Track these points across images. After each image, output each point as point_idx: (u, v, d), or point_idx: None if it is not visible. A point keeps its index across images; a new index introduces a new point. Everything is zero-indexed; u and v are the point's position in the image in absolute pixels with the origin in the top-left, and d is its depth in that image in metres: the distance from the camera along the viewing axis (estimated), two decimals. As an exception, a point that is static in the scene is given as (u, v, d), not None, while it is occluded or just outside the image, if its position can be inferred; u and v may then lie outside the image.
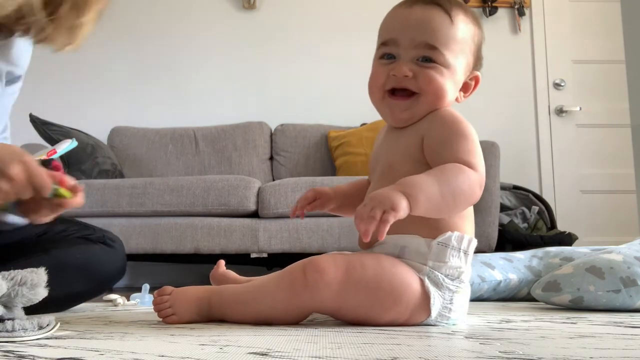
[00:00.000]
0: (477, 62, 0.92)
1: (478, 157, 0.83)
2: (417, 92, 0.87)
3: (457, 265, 0.83)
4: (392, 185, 0.75)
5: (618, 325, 0.87)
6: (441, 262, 0.82)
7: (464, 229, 0.85)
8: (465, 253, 0.84)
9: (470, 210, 0.88)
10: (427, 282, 0.81)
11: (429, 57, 0.86)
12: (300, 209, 1.02)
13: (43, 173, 0.83)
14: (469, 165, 0.80)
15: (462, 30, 0.88)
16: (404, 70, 0.85)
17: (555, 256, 1.60)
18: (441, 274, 0.82)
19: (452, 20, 0.87)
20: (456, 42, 0.87)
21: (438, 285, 0.82)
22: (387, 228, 0.71)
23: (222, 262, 1.14)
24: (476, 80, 0.92)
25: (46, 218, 0.91)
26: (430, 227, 0.83)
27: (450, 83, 0.88)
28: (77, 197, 0.89)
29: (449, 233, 0.82)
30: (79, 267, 1.11)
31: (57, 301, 1.05)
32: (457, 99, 0.92)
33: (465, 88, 0.92)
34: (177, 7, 3.36)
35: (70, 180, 0.88)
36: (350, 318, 0.85)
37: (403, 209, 0.72)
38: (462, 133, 0.84)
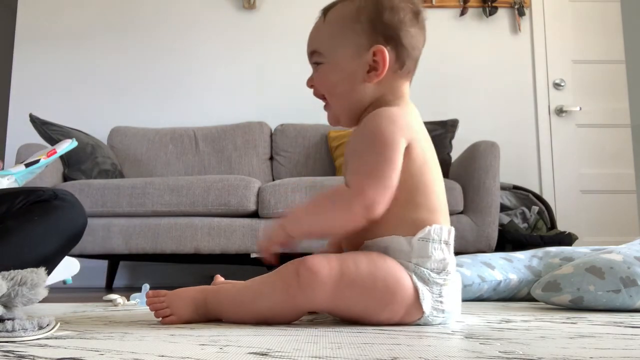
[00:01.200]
0: (376, 35, 0.87)
1: (372, 173, 0.81)
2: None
3: (441, 258, 0.83)
4: (280, 219, 0.87)
5: (618, 325, 0.87)
6: (425, 257, 0.82)
7: (440, 222, 0.85)
8: (447, 244, 0.85)
9: (442, 204, 0.88)
10: (414, 278, 0.81)
11: (316, 61, 0.92)
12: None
13: None
14: (357, 191, 0.81)
15: (334, 22, 0.90)
16: (307, 83, 0.95)
17: (555, 256, 1.60)
18: (426, 269, 0.82)
19: (325, 18, 0.91)
20: (331, 37, 0.90)
21: (425, 280, 0.82)
22: (271, 255, 0.87)
23: (219, 278, 1.13)
24: (380, 53, 0.86)
25: None
26: (408, 226, 0.83)
27: (336, 76, 0.90)
28: None
29: (427, 227, 0.83)
30: (41, 229, 1.11)
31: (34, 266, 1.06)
32: (366, 80, 0.88)
33: (375, 67, 0.87)
34: (177, 8, 3.36)
35: None
36: (346, 316, 0.85)
37: (280, 239, 0.86)
38: (370, 144, 0.83)
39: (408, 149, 0.84)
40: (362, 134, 0.86)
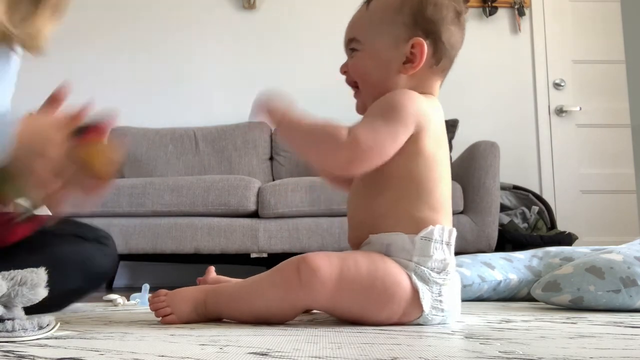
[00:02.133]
0: (417, 29, 0.88)
1: (376, 134, 0.81)
2: (357, 82, 0.93)
3: (442, 258, 0.83)
4: (284, 107, 0.85)
5: (618, 325, 0.87)
6: (426, 256, 0.83)
7: (442, 223, 0.85)
8: (448, 244, 0.85)
9: (446, 204, 0.88)
10: (414, 277, 0.82)
11: (353, 48, 0.92)
12: None
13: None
14: (354, 136, 0.80)
15: (377, 10, 0.90)
16: (341, 68, 0.94)
17: (555, 256, 1.60)
18: (427, 268, 0.82)
19: (368, 6, 0.92)
20: (372, 24, 0.90)
21: (425, 280, 0.82)
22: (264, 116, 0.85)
23: (211, 269, 1.13)
24: (418, 46, 0.87)
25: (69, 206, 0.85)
26: (412, 223, 0.84)
27: (372, 63, 0.90)
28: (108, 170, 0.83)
29: (430, 227, 0.83)
30: (73, 265, 1.11)
31: (53, 299, 1.05)
32: (401, 71, 0.88)
33: (411, 59, 0.88)
34: (177, 8, 3.36)
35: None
36: (344, 316, 0.86)
37: (272, 119, 0.85)
38: (383, 112, 0.84)
39: (417, 137, 0.84)
40: (381, 102, 0.86)
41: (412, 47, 0.87)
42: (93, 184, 0.84)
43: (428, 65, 0.89)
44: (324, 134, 0.83)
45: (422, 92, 0.89)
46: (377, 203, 0.87)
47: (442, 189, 0.87)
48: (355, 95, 0.95)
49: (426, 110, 0.86)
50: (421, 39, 0.87)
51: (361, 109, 0.94)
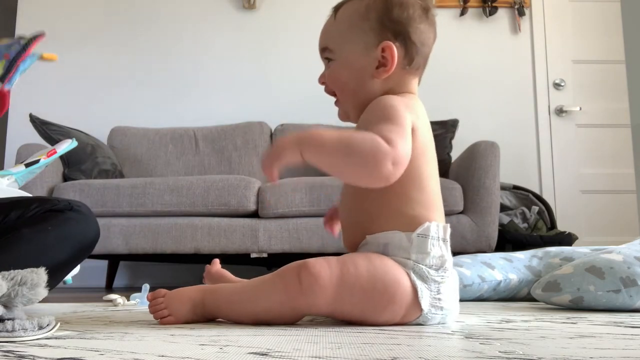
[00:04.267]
0: (385, 32, 0.87)
1: (399, 136, 0.79)
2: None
3: (439, 254, 0.84)
4: (296, 136, 0.80)
5: (618, 325, 0.87)
6: (424, 253, 0.83)
7: (436, 219, 0.86)
8: (445, 241, 0.85)
9: (437, 202, 0.88)
10: (413, 276, 0.82)
11: (327, 57, 0.93)
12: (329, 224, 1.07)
13: None
14: (387, 139, 0.77)
15: (344, 19, 0.91)
16: (319, 79, 0.95)
17: (555, 256, 1.60)
18: (425, 265, 0.82)
19: (335, 16, 0.93)
20: (341, 33, 0.91)
21: (423, 278, 0.82)
22: (274, 172, 0.80)
23: (217, 261, 1.14)
24: (388, 49, 0.86)
25: None
26: (406, 221, 0.84)
27: (346, 72, 0.91)
28: None
29: (427, 224, 0.83)
30: (54, 239, 1.11)
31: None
32: (375, 76, 0.88)
33: (384, 63, 0.88)
34: (177, 8, 3.36)
35: None
36: (346, 319, 0.85)
37: (286, 156, 0.80)
38: (386, 117, 0.82)
39: (412, 136, 0.83)
40: (372, 110, 0.86)
41: (383, 51, 0.88)
42: None
43: (401, 66, 0.89)
44: (364, 147, 0.77)
45: (400, 93, 0.89)
46: (370, 203, 0.87)
47: (433, 186, 0.88)
48: (336, 104, 0.96)
49: (413, 108, 0.86)
50: (390, 42, 0.87)
51: (343, 116, 0.96)
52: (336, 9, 0.93)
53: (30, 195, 1.30)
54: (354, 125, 0.93)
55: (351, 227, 0.91)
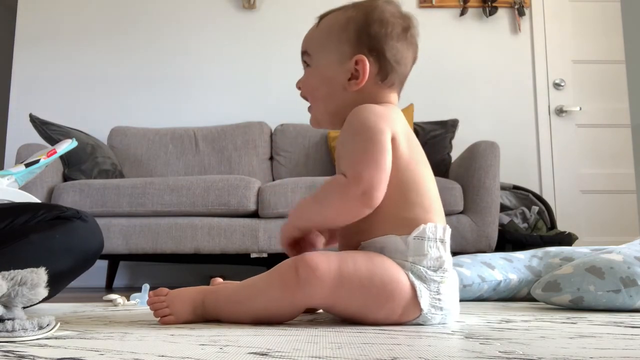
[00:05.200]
0: (361, 46, 0.89)
1: (368, 162, 0.82)
2: None
3: (437, 256, 0.84)
4: (290, 213, 0.92)
5: (618, 325, 0.87)
6: (421, 255, 0.83)
7: (435, 221, 0.85)
8: (442, 242, 0.85)
9: (435, 202, 0.88)
10: (411, 277, 0.82)
11: (305, 61, 0.95)
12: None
13: None
14: (353, 176, 0.82)
15: (325, 27, 0.93)
16: (297, 84, 0.97)
17: (555, 256, 1.60)
18: (423, 267, 0.82)
19: (318, 23, 0.94)
20: (320, 41, 0.93)
21: (422, 278, 0.82)
22: (292, 251, 0.91)
23: (217, 279, 1.13)
24: (361, 62, 0.88)
25: None
26: (403, 225, 0.84)
27: (319, 80, 0.93)
28: None
29: (422, 226, 0.84)
30: (60, 247, 1.11)
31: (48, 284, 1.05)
32: (346, 88, 0.90)
33: (356, 76, 0.89)
34: (177, 8, 3.36)
35: None
36: (344, 314, 0.86)
37: (292, 234, 0.91)
38: (357, 133, 0.84)
39: (393, 144, 0.85)
40: (348, 127, 0.87)
41: (356, 63, 0.89)
42: None
43: (374, 81, 0.90)
44: (328, 195, 0.85)
45: (377, 103, 0.90)
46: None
47: (429, 188, 0.88)
48: (309, 109, 0.97)
49: (390, 116, 0.87)
50: (363, 56, 0.88)
51: (314, 122, 0.98)
52: (321, 17, 0.95)
53: (34, 197, 1.30)
54: (329, 129, 0.95)
55: (347, 234, 0.91)
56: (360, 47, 0.89)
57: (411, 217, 0.84)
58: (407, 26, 0.90)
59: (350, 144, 0.85)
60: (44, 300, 0.95)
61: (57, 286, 1.15)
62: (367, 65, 0.88)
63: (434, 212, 0.87)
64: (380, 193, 0.82)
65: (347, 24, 0.90)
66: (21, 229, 1.11)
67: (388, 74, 0.90)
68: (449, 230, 0.87)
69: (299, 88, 0.97)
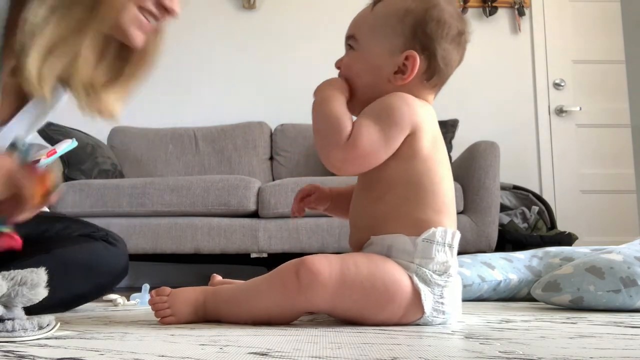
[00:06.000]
0: (414, 41, 0.87)
1: (371, 140, 0.82)
2: None
3: (444, 260, 0.83)
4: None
5: (618, 325, 0.87)
6: (427, 258, 0.83)
7: (445, 225, 0.85)
8: (450, 247, 0.85)
9: (450, 206, 0.88)
10: (415, 279, 0.82)
11: (349, 45, 0.93)
12: (297, 202, 1.05)
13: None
14: (353, 140, 0.81)
15: (380, 14, 0.90)
16: (336, 63, 0.95)
17: (555, 256, 1.60)
18: (428, 270, 0.82)
19: (374, 7, 0.91)
20: (372, 27, 0.90)
21: (426, 281, 0.82)
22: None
23: (216, 276, 1.13)
24: (411, 58, 0.86)
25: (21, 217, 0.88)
26: (414, 225, 0.84)
27: (364, 66, 0.90)
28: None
29: (432, 229, 0.83)
30: (81, 266, 1.08)
31: (61, 301, 1.04)
32: (390, 80, 0.88)
33: (402, 70, 0.88)
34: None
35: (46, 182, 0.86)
36: (344, 317, 0.85)
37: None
38: (381, 113, 0.84)
39: (413, 138, 0.84)
40: (376, 105, 0.86)
41: (406, 58, 0.87)
42: (22, 210, 0.87)
43: (419, 79, 0.89)
44: (330, 127, 0.84)
45: None
46: (380, 206, 0.87)
47: (445, 191, 0.87)
48: None
49: (420, 112, 0.86)
50: (416, 52, 0.86)
51: (351, 104, 0.95)
52: (376, 1, 0.92)
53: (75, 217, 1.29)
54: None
55: (358, 228, 0.91)
56: (413, 43, 0.87)
57: (423, 218, 0.84)
58: (462, 30, 0.90)
59: (370, 118, 0.84)
60: (56, 311, 0.94)
61: (72, 306, 1.14)
62: (418, 62, 0.86)
63: (446, 215, 0.86)
64: (350, 171, 0.84)
65: (405, 16, 0.87)
66: (50, 241, 1.09)
67: (434, 74, 0.89)
68: (458, 236, 0.86)
69: (338, 67, 0.94)
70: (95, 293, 1.17)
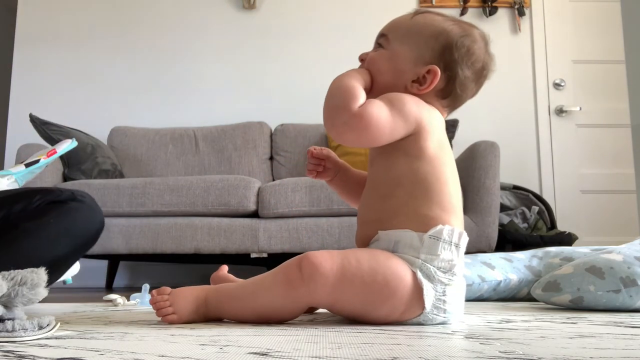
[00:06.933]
0: (440, 59, 0.91)
1: (378, 119, 0.84)
2: None
3: (449, 258, 0.84)
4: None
5: (618, 325, 0.87)
6: (433, 255, 0.83)
7: (452, 224, 0.86)
8: (457, 246, 0.85)
9: (456, 206, 0.89)
10: (419, 274, 0.82)
11: (379, 43, 0.95)
12: (313, 159, 1.06)
13: None
14: (362, 111, 0.83)
15: (418, 24, 0.93)
16: (360, 55, 0.96)
17: (555, 256, 1.60)
18: (433, 266, 0.83)
19: (414, 16, 0.95)
20: (407, 33, 0.93)
21: (430, 277, 0.82)
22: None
23: (225, 267, 1.15)
24: (433, 73, 0.90)
25: None
26: (422, 222, 0.85)
27: (388, 65, 0.93)
28: None
29: (440, 226, 0.84)
30: (57, 232, 1.08)
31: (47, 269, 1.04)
32: (407, 87, 0.91)
33: (421, 82, 0.91)
34: (177, 8, 3.36)
35: None
36: (345, 312, 0.86)
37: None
38: (391, 100, 0.86)
39: (418, 137, 0.87)
40: (391, 94, 0.89)
41: (427, 72, 0.90)
42: None
43: (435, 94, 0.92)
44: (345, 92, 0.86)
45: None
46: (388, 202, 0.88)
47: (451, 190, 0.88)
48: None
49: (427, 115, 0.89)
50: (439, 69, 0.90)
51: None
52: (418, 12, 0.96)
53: (35, 187, 1.27)
54: None
55: (366, 224, 0.92)
56: (439, 60, 0.91)
57: (430, 216, 0.85)
58: (486, 67, 0.96)
59: (385, 98, 0.87)
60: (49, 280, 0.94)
61: (58, 271, 1.13)
62: (438, 78, 0.90)
63: (453, 215, 0.87)
64: (348, 142, 0.87)
65: (440, 34, 0.91)
66: (17, 218, 1.08)
67: (449, 95, 0.93)
68: (465, 237, 0.87)
69: (361, 60, 0.97)
70: (77, 253, 1.15)
